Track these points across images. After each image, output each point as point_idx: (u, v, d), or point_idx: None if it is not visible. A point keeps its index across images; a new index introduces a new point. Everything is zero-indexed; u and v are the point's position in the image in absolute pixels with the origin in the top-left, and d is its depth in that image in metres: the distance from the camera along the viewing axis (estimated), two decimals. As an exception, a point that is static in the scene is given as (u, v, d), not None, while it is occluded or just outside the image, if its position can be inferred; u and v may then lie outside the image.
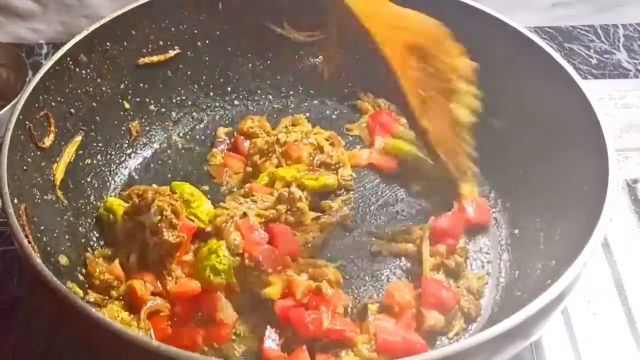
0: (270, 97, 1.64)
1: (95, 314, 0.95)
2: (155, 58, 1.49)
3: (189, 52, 1.53)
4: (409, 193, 1.45)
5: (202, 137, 1.57)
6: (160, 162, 1.52)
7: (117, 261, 1.27)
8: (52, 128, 1.30)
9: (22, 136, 1.21)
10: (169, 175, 1.48)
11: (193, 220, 1.31)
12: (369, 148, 1.53)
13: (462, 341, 0.93)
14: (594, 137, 1.19)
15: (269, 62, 1.62)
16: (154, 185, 1.36)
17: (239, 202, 1.36)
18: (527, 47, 1.35)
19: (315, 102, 1.64)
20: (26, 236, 1.07)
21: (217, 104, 1.61)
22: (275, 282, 1.22)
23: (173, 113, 1.56)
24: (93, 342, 1.05)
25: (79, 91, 1.36)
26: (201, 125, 1.58)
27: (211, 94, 1.60)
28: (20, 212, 1.11)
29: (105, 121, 1.43)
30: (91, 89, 1.39)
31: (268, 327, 1.20)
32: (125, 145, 1.49)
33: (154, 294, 1.24)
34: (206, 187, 1.44)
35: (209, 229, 1.31)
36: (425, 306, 1.21)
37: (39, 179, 1.25)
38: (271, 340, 1.18)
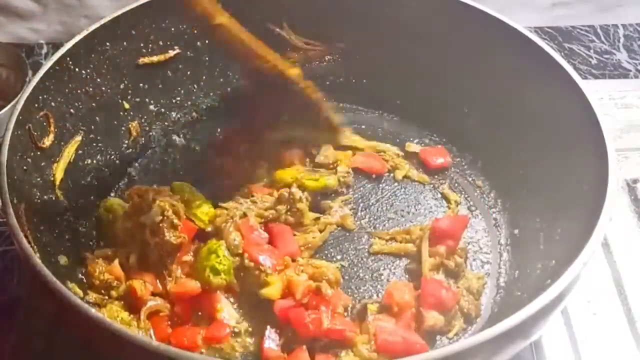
0: (270, 97, 1.64)
1: (95, 314, 0.95)
2: (155, 58, 1.49)
3: (189, 52, 1.53)
4: (409, 193, 1.45)
5: (202, 137, 1.56)
6: (160, 162, 1.52)
7: (117, 261, 1.27)
8: (52, 128, 1.30)
9: (22, 136, 1.21)
10: (169, 176, 1.48)
11: (193, 221, 1.31)
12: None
13: (462, 341, 0.92)
14: (594, 137, 1.19)
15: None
16: (154, 186, 1.36)
17: (238, 202, 1.36)
18: (527, 47, 1.35)
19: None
20: (26, 236, 1.06)
21: (217, 104, 1.61)
22: (275, 282, 1.22)
23: (173, 113, 1.56)
24: (93, 342, 1.05)
25: (78, 91, 1.36)
26: (201, 125, 1.59)
27: (211, 94, 1.60)
28: (20, 212, 1.11)
29: (105, 121, 1.43)
30: (91, 89, 1.39)
31: (268, 327, 1.20)
32: (125, 145, 1.49)
33: (153, 294, 1.24)
34: (206, 187, 1.44)
35: (209, 229, 1.31)
36: (425, 306, 1.21)
37: (39, 179, 1.25)
38: (271, 340, 1.18)
